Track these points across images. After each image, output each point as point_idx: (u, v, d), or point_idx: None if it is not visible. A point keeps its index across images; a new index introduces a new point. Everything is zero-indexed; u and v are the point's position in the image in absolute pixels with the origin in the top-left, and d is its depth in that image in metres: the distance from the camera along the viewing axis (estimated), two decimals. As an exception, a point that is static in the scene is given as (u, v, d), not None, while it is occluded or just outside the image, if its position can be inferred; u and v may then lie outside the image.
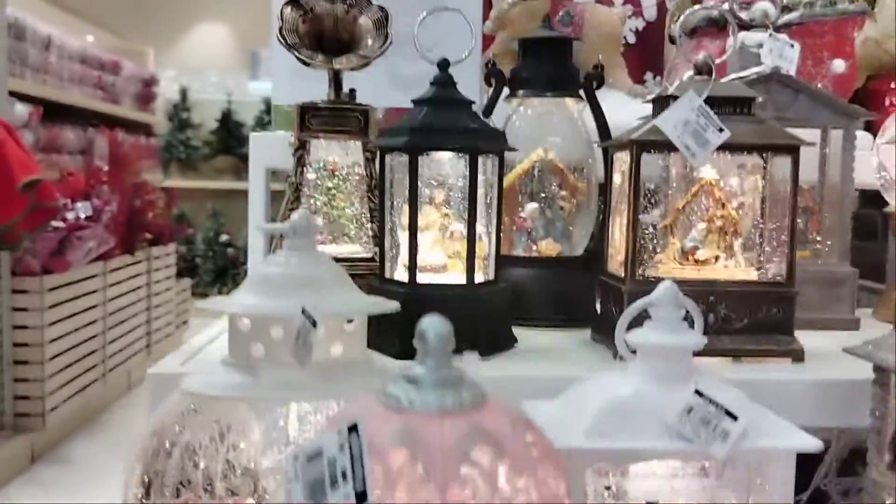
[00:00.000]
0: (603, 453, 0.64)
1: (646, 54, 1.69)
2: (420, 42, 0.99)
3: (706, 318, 0.92)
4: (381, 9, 1.14)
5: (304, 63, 1.09)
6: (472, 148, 0.89)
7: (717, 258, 0.97)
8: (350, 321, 0.68)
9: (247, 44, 5.54)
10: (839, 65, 1.48)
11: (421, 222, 0.96)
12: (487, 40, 1.49)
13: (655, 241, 0.97)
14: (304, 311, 0.61)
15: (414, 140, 0.88)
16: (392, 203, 0.95)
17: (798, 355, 0.93)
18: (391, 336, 0.90)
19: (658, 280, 0.94)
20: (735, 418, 0.65)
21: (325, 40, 1.14)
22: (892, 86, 1.59)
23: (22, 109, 2.87)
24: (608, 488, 0.69)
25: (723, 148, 0.91)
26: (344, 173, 1.16)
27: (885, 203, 1.26)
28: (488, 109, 1.17)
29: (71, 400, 2.68)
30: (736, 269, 0.97)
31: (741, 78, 1.16)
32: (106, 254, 3.27)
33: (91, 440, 2.86)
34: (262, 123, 5.09)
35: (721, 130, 0.90)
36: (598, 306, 1.06)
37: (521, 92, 1.15)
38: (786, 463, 0.66)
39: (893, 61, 1.62)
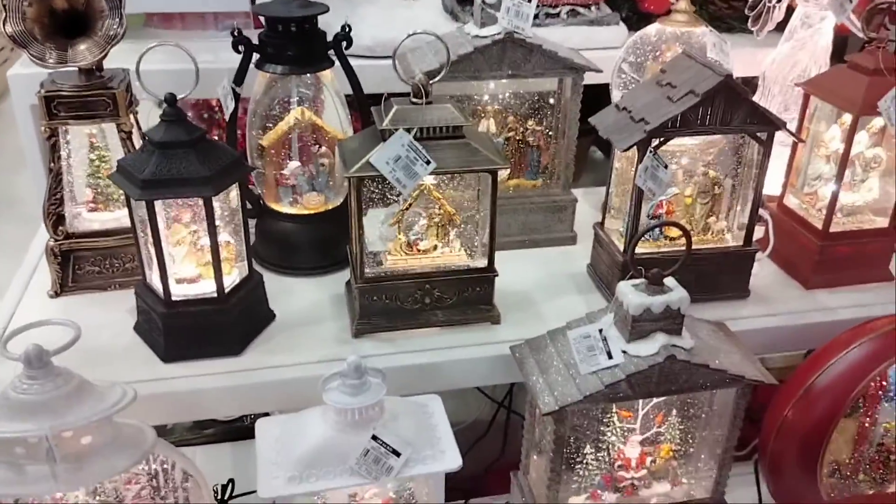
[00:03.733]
0: (302, 496, 0.89)
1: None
2: None
3: (423, 301, 1.15)
4: (115, -17, 1.10)
5: (36, 62, 1.08)
6: (206, 195, 0.99)
7: (435, 247, 1.16)
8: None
9: None
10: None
11: (172, 238, 1.08)
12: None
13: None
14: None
15: (146, 194, 0.97)
16: (141, 224, 1.05)
17: (496, 319, 1.18)
18: (158, 342, 1.08)
19: (388, 273, 1.14)
20: (398, 455, 0.91)
21: (57, 18, 1.11)
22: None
23: None
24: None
25: (434, 173, 1.05)
26: (105, 144, 1.21)
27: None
28: (239, 78, 1.21)
29: None
30: (452, 255, 1.16)
31: (480, 37, 1.25)
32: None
33: None
34: None
35: (428, 163, 1.03)
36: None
37: (269, 66, 1.19)
38: (436, 479, 0.94)
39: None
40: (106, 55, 1.11)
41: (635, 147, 1.11)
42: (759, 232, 1.28)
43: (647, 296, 0.95)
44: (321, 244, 1.30)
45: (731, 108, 1.10)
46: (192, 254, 1.09)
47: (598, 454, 1.07)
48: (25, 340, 0.81)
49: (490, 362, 1.13)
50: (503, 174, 1.37)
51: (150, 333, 1.10)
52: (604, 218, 1.29)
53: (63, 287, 1.21)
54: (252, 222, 1.31)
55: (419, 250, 1.15)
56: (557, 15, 1.55)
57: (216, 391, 1.06)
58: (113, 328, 1.13)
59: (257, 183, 1.31)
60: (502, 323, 1.18)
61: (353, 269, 1.13)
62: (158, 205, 1.00)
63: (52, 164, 1.16)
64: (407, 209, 1.13)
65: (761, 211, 1.26)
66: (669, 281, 0.97)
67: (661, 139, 1.10)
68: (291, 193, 1.29)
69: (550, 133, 1.37)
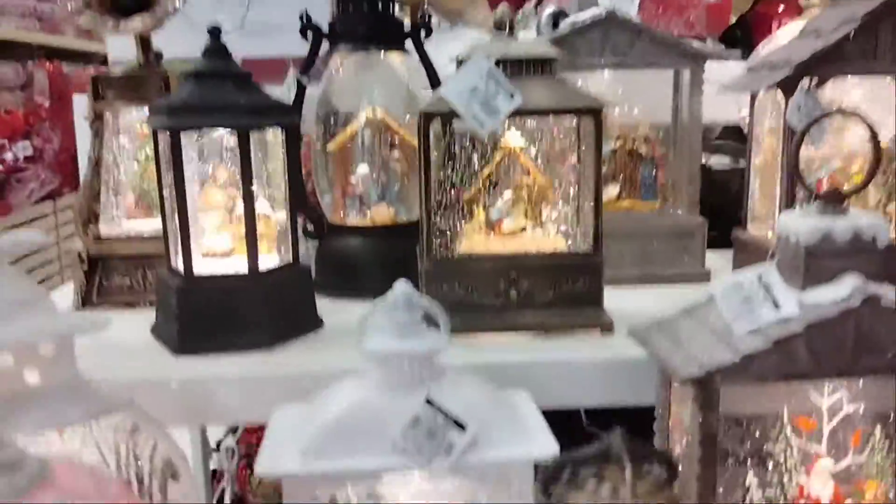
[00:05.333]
0: (316, 478, 0.60)
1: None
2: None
3: (507, 294, 0.88)
4: (177, -40, 1.04)
5: (90, 29, 0.99)
6: (240, 125, 0.81)
7: (523, 229, 0.91)
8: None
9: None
10: (712, -6, 1.39)
11: (203, 203, 0.90)
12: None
13: (460, 215, 0.91)
14: None
15: (173, 120, 0.81)
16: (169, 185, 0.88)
17: (607, 327, 0.89)
18: (171, 330, 0.86)
19: (464, 256, 0.90)
20: (463, 428, 0.61)
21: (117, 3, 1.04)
22: (780, 10, 1.51)
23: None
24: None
25: (519, 113, 0.84)
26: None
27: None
28: (306, 67, 1.08)
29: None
30: (545, 239, 0.91)
31: (578, 21, 1.09)
32: (54, 191, 3.21)
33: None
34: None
35: (512, 97, 0.83)
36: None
37: (338, 47, 1.06)
38: (522, 470, 0.62)
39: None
40: (161, 24, 1.01)
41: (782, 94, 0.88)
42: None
43: (825, 218, 0.66)
44: (388, 263, 1.07)
45: (903, 37, 0.86)
46: (226, 225, 0.90)
47: (766, 490, 0.72)
48: None
49: (601, 372, 0.83)
50: (611, 193, 1.14)
51: (165, 325, 0.88)
52: (744, 227, 1.01)
53: (86, 299, 1.03)
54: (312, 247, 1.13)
55: (503, 232, 0.91)
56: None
57: (237, 384, 0.80)
58: (128, 333, 0.92)
59: (321, 200, 1.14)
60: (616, 334, 0.88)
61: (419, 247, 0.89)
62: (187, 141, 0.83)
63: (93, 153, 1.04)
64: (487, 179, 0.91)
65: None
66: (854, 211, 0.69)
67: (813, 79, 0.86)
68: (359, 204, 1.10)
69: (668, 141, 1.14)
